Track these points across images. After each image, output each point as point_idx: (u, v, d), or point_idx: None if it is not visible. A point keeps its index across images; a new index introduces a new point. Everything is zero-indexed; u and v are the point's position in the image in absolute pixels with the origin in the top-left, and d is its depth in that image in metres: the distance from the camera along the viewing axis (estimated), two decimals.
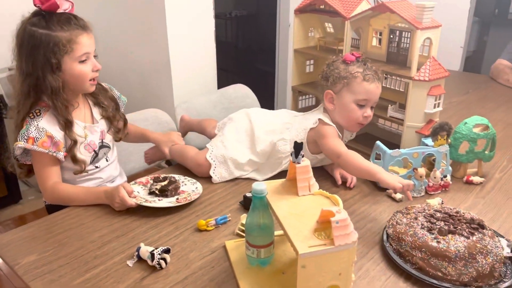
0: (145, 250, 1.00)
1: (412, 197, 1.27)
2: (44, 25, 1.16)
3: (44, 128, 1.20)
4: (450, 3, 3.00)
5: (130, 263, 1.00)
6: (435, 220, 1.02)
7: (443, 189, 1.30)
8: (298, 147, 0.97)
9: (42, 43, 1.15)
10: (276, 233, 0.99)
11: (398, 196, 1.25)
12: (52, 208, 1.28)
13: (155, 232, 1.11)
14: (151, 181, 1.29)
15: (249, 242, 0.96)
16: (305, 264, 0.79)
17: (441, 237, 0.96)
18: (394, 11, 1.33)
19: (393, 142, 1.52)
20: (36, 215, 2.50)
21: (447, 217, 1.03)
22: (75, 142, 1.25)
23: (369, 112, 1.28)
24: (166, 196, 1.23)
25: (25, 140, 1.18)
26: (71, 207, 1.22)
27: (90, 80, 1.24)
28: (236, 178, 1.36)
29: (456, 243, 0.94)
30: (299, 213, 0.90)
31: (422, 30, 1.29)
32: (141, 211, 1.19)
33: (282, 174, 1.30)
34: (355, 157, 1.21)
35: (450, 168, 1.33)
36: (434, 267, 0.94)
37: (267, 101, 3.62)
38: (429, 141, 1.35)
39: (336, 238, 0.80)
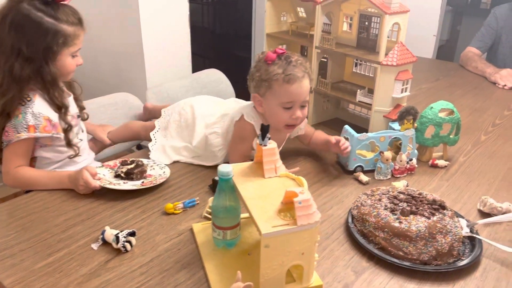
0: (110, 233, 0.99)
1: (379, 180, 1.30)
2: (52, 14, 1.17)
3: (40, 112, 1.20)
4: None
5: (94, 246, 0.99)
6: (398, 202, 1.04)
7: (409, 172, 1.33)
8: (264, 129, 0.97)
9: (49, 31, 1.16)
10: (242, 215, 0.99)
11: (365, 178, 1.28)
12: None
13: (121, 216, 1.10)
14: (119, 164, 1.27)
15: (215, 224, 0.96)
16: (268, 244, 0.80)
17: (403, 217, 0.99)
18: None
19: (362, 127, 1.54)
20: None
21: (410, 198, 1.05)
22: (70, 126, 1.27)
23: (298, 114, 1.21)
24: (132, 179, 1.22)
25: (25, 130, 1.18)
26: (35, 191, 1.20)
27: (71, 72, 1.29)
28: (206, 166, 1.35)
29: (418, 223, 0.96)
30: (264, 194, 0.90)
31: (391, 15, 1.31)
32: (108, 195, 1.18)
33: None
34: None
35: (416, 151, 1.36)
36: (396, 246, 0.96)
37: (243, 86, 3.61)
38: (396, 125, 1.37)
39: (299, 218, 0.81)
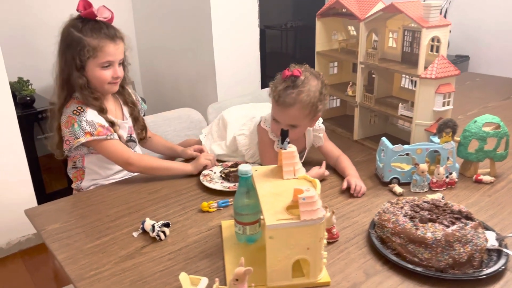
0: (148, 223, 1.12)
1: (415, 192, 1.29)
2: (80, 29, 1.32)
3: (92, 120, 1.35)
4: None
5: (135, 234, 1.12)
6: (419, 210, 1.04)
7: (449, 186, 1.30)
8: (284, 133, 1.05)
9: (73, 44, 1.32)
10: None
11: (399, 190, 1.28)
12: None
13: (164, 211, 1.24)
14: (229, 165, 1.46)
15: (236, 220, 1.05)
16: (272, 235, 0.87)
17: (421, 224, 0.99)
18: (402, 11, 1.36)
19: (406, 140, 1.53)
20: None
21: (433, 207, 1.05)
22: (113, 123, 1.41)
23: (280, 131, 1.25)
24: (228, 181, 1.37)
25: (83, 135, 1.34)
26: (97, 188, 1.39)
27: (109, 83, 1.39)
28: None
29: (435, 231, 0.96)
30: (278, 192, 0.97)
31: (428, 28, 1.31)
32: (156, 193, 1.33)
33: None
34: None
35: (457, 165, 1.33)
36: (411, 252, 0.97)
37: None
38: (436, 138, 1.35)
39: (302, 213, 0.86)
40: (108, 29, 1.35)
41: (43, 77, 2.39)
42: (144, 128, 1.58)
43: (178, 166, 1.45)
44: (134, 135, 1.54)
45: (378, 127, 1.72)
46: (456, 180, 1.30)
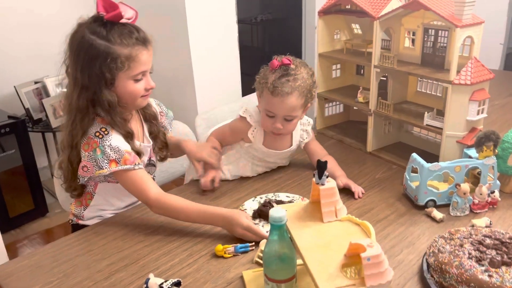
0: (154, 282, 0.90)
1: (455, 216, 1.13)
2: (104, 35, 1.05)
3: (118, 146, 1.10)
4: None
5: None
6: (484, 249, 0.87)
7: (491, 206, 1.15)
8: (321, 166, 0.85)
9: (100, 55, 1.05)
10: (298, 261, 0.87)
11: (439, 215, 1.11)
12: (77, 228, 1.20)
13: (167, 260, 1.02)
14: (261, 203, 1.21)
15: (267, 276, 0.85)
16: None
17: (493, 269, 0.82)
18: (429, 8, 1.19)
19: (430, 152, 1.37)
20: (63, 229, 2.47)
21: (499, 244, 0.88)
22: (139, 153, 1.16)
23: (277, 125, 1.24)
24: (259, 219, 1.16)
25: (107, 165, 1.08)
26: (81, 231, 1.15)
27: (142, 97, 1.15)
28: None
29: None
30: (324, 244, 0.78)
31: (462, 28, 1.15)
32: (152, 235, 1.10)
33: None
34: None
35: (498, 182, 1.18)
36: None
37: None
38: (472, 151, 1.20)
39: (368, 277, 0.68)
40: (139, 33, 1.10)
41: None
42: (164, 145, 1.32)
43: (206, 220, 1.11)
44: (153, 158, 1.30)
45: (393, 136, 1.55)
46: (499, 199, 1.15)
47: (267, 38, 5.06)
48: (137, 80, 1.11)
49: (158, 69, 2.84)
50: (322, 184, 0.85)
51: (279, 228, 0.81)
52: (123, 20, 1.07)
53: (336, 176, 1.27)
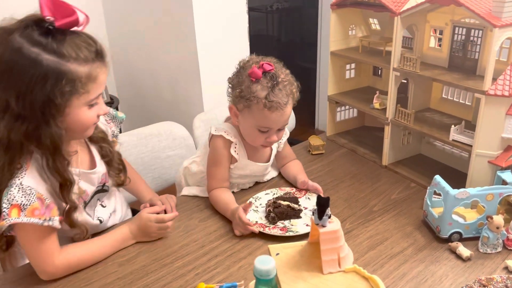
0: None
1: (485, 253, 0.95)
2: (55, 49, 0.79)
3: (30, 187, 0.84)
4: None
5: None
6: None
7: None
8: (322, 203, 0.69)
9: (49, 75, 0.79)
10: None
11: (465, 253, 0.93)
12: None
13: None
14: (272, 201, 1.11)
15: None
16: None
17: None
18: (462, 4, 0.99)
19: (456, 168, 1.19)
20: None
21: None
22: (74, 207, 0.91)
23: (273, 138, 1.12)
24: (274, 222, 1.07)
25: (6, 212, 0.81)
26: None
27: (93, 124, 0.93)
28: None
29: None
30: None
31: (501, 28, 0.95)
32: (130, 264, 0.95)
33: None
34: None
35: None
36: None
37: (308, 97, 3.33)
38: (507, 175, 1.01)
39: None
40: (96, 44, 0.86)
41: None
42: (121, 170, 1.08)
43: (122, 233, 0.99)
44: (108, 184, 1.06)
45: (412, 148, 1.37)
46: None
47: (283, 27, 4.88)
48: (91, 106, 0.88)
49: (161, 61, 2.71)
50: (323, 226, 0.68)
51: (267, 284, 0.65)
52: (76, 29, 0.83)
53: (300, 178, 1.20)
